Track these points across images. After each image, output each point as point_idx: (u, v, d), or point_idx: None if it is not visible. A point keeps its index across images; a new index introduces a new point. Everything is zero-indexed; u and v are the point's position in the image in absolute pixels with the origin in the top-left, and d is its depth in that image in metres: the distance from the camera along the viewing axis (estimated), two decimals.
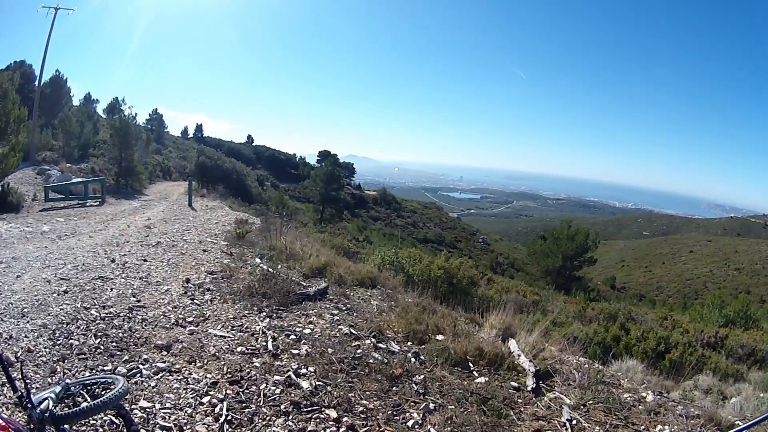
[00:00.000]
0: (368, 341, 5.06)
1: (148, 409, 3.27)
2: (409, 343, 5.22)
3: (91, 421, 3.01)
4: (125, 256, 7.84)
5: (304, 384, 3.88)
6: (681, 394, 5.27)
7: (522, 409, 4.00)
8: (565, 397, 4.31)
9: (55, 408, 2.61)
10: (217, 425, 3.21)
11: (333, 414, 3.51)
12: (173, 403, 3.41)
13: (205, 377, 3.83)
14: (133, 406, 3.27)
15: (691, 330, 10.40)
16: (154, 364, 3.94)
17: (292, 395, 3.70)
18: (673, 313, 15.55)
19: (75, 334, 4.35)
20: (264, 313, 5.54)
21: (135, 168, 22.28)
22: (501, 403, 4.01)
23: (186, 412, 3.32)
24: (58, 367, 3.71)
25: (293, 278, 7.12)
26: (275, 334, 4.92)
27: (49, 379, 3.51)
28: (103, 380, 3.30)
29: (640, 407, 4.25)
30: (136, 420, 3.10)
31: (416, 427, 3.54)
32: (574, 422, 3.81)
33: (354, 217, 57.81)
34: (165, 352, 4.23)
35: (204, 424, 3.22)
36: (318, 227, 26.67)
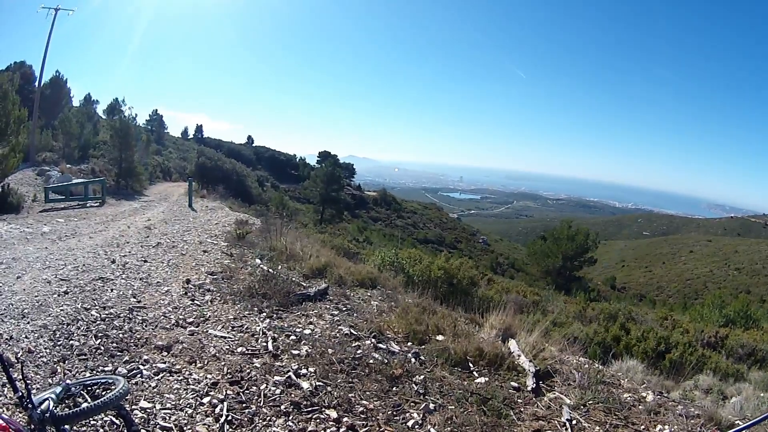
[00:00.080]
0: (368, 342, 5.06)
1: (148, 410, 3.27)
2: (409, 344, 5.22)
3: (92, 422, 3.01)
4: (125, 257, 7.85)
5: (305, 384, 3.89)
6: (681, 394, 5.27)
7: (522, 409, 4.01)
8: (565, 397, 4.31)
9: (55, 408, 2.61)
10: (218, 425, 3.21)
11: (333, 414, 3.51)
12: (174, 403, 3.41)
13: (206, 378, 3.83)
14: (133, 407, 3.27)
15: (692, 330, 10.40)
16: (154, 365, 3.94)
17: (293, 395, 3.71)
18: (673, 313, 15.55)
19: (75, 334, 4.35)
20: (264, 314, 5.54)
21: (135, 169, 22.28)
22: (501, 403, 4.01)
23: (186, 412, 3.32)
24: (58, 367, 3.71)
25: (293, 279, 7.12)
26: (275, 335, 4.92)
27: (49, 380, 3.51)
28: (103, 381, 3.30)
29: (640, 407, 4.26)
30: (136, 420, 3.10)
31: (416, 427, 3.54)
32: (574, 422, 3.81)
33: (354, 217, 57.80)
34: (165, 353, 4.23)
35: (204, 424, 3.22)
36: (318, 228, 26.67)
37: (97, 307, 5.14)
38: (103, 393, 3.12)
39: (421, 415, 3.68)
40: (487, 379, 4.53)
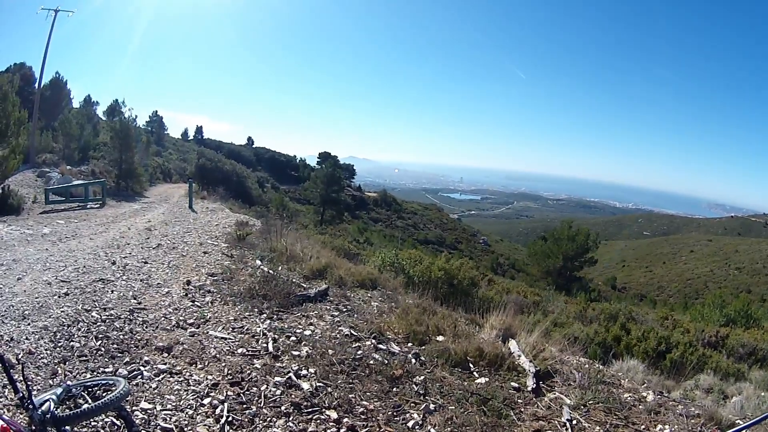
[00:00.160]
0: (369, 342, 5.07)
1: (149, 411, 3.28)
2: (409, 344, 5.23)
3: (93, 423, 3.01)
4: (126, 258, 7.85)
5: (305, 385, 3.89)
6: (682, 394, 5.28)
7: (522, 410, 4.01)
8: (566, 397, 4.32)
9: (56, 409, 2.61)
10: (218, 426, 3.21)
11: (333, 415, 3.52)
12: (174, 404, 3.42)
13: (206, 379, 3.83)
14: (134, 408, 3.28)
15: (692, 330, 10.40)
16: (155, 366, 3.95)
17: (293, 396, 3.71)
18: (673, 312, 15.55)
19: (76, 336, 4.36)
20: (264, 315, 5.55)
21: (135, 170, 22.28)
22: (501, 403, 4.02)
23: (187, 413, 3.33)
24: (59, 369, 3.72)
25: (294, 280, 7.12)
26: (276, 336, 4.93)
27: (50, 381, 3.52)
28: (104, 382, 3.31)
29: (640, 407, 4.26)
30: (137, 421, 3.11)
31: (416, 427, 3.55)
32: (574, 422, 3.82)
33: (354, 218, 57.81)
34: (166, 354, 4.24)
35: (205, 425, 3.22)
36: (318, 229, 26.67)
37: (97, 309, 5.14)
38: (104, 394, 3.13)
39: (422, 416, 3.68)
40: (487, 379, 4.53)
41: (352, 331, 5.34)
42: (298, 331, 5.17)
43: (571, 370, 4.92)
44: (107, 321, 4.83)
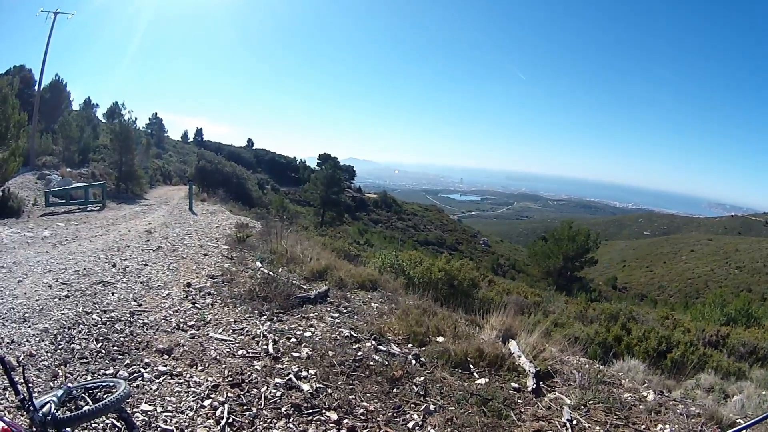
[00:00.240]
0: (369, 344, 5.07)
1: (149, 412, 3.28)
2: (409, 345, 5.23)
3: (93, 424, 3.02)
4: (126, 260, 7.86)
5: (305, 386, 3.90)
6: (682, 393, 5.27)
7: (522, 410, 4.01)
8: (566, 397, 4.32)
9: (57, 411, 2.62)
10: (219, 428, 3.22)
11: (334, 416, 3.52)
12: (175, 406, 3.42)
13: (207, 380, 3.84)
14: (134, 410, 3.28)
15: (693, 329, 10.40)
16: (155, 368, 3.95)
17: (293, 398, 3.71)
18: (674, 312, 15.53)
19: (76, 338, 4.37)
20: (265, 317, 5.55)
21: (135, 172, 22.30)
22: (501, 403, 4.02)
23: (187, 415, 3.33)
24: (60, 370, 3.73)
25: (294, 282, 7.13)
26: (276, 338, 4.93)
27: (51, 383, 3.53)
28: (104, 384, 3.31)
29: (640, 407, 4.26)
30: (137, 423, 3.11)
31: (416, 428, 3.55)
32: (574, 422, 3.82)
33: (354, 220, 57.82)
34: (166, 356, 4.24)
35: (205, 426, 3.23)
36: (319, 230, 26.69)
37: (98, 311, 5.15)
38: (105, 396, 3.13)
39: (422, 417, 3.69)
40: (487, 380, 4.54)
41: (353, 333, 5.34)
42: (298, 332, 5.18)
43: (572, 371, 4.92)
44: (108, 323, 4.84)
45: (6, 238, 9.01)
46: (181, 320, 5.19)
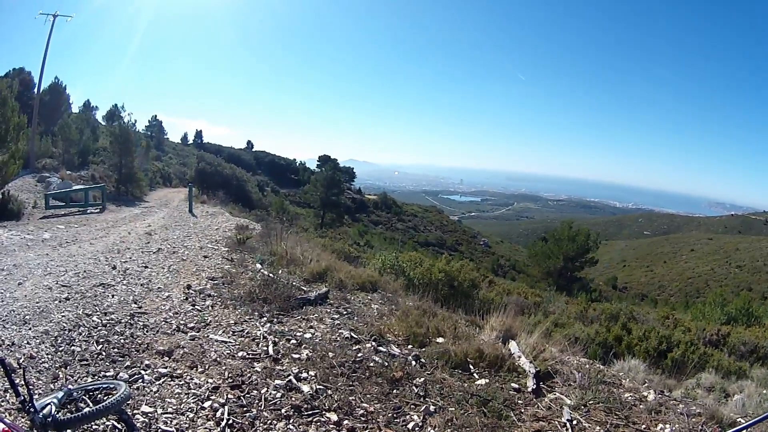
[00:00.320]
0: (369, 345, 5.07)
1: (150, 414, 3.29)
2: (409, 346, 5.23)
3: (94, 426, 3.02)
4: (126, 262, 7.86)
5: (305, 388, 3.90)
6: (683, 393, 5.27)
7: (522, 410, 4.01)
8: (566, 397, 4.32)
9: (57, 413, 2.63)
10: (219, 429, 3.22)
11: (334, 417, 3.52)
12: (175, 407, 3.42)
13: (207, 382, 3.84)
14: (135, 411, 3.28)
15: (693, 328, 10.40)
16: (155, 370, 3.96)
17: (293, 399, 3.71)
18: (675, 311, 15.54)
19: (77, 340, 4.37)
20: (265, 318, 5.55)
21: (135, 175, 22.30)
22: (501, 404, 4.02)
23: (188, 416, 3.33)
24: (60, 373, 3.73)
25: (294, 283, 7.13)
26: (276, 339, 4.93)
27: (51, 385, 3.53)
28: (105, 386, 3.32)
29: (641, 406, 4.26)
30: (138, 425, 3.12)
31: (416, 429, 3.55)
32: (574, 422, 3.82)
33: (354, 221, 57.83)
34: (166, 358, 4.24)
35: (206, 428, 3.23)
36: (319, 232, 26.70)
37: (98, 313, 5.15)
38: (105, 398, 3.14)
39: (422, 417, 3.69)
40: (487, 380, 4.54)
41: (353, 334, 5.34)
42: (298, 334, 5.18)
43: (572, 371, 4.92)
44: (108, 325, 4.84)
45: (6, 241, 9.02)
46: (182, 322, 5.19)
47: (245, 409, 3.52)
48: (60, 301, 5.39)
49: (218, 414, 3.39)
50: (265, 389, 3.82)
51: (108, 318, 5.04)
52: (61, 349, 4.14)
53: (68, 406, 3.07)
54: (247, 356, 4.45)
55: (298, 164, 77.86)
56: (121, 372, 3.86)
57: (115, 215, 15.45)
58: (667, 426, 3.87)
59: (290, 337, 5.02)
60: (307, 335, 5.16)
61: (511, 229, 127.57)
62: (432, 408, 3.83)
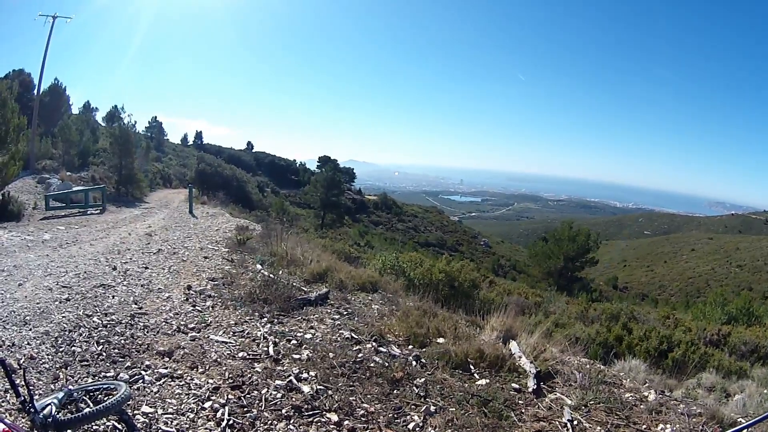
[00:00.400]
0: (369, 345, 5.07)
1: (150, 415, 3.28)
2: (410, 347, 5.23)
3: (94, 426, 3.02)
4: (126, 263, 7.86)
5: (305, 388, 3.89)
6: (684, 393, 5.27)
7: (523, 411, 4.01)
8: (566, 397, 4.32)
9: (58, 413, 2.63)
10: (219, 430, 3.22)
11: (334, 417, 3.52)
12: (175, 408, 3.42)
13: (207, 383, 3.84)
14: (135, 412, 3.28)
15: (694, 328, 10.40)
16: (156, 370, 3.95)
17: (294, 399, 3.71)
18: (675, 311, 15.53)
19: (77, 341, 4.37)
20: (265, 319, 5.55)
21: (135, 176, 22.31)
22: (502, 404, 4.01)
23: (188, 417, 3.33)
24: (60, 373, 3.73)
25: (294, 284, 7.13)
26: (276, 339, 4.93)
27: (51, 386, 3.53)
28: (105, 386, 3.32)
29: (641, 406, 4.25)
30: (138, 425, 3.12)
31: (417, 429, 3.55)
32: (575, 422, 3.81)
33: (355, 222, 57.83)
34: (167, 358, 4.24)
35: (206, 428, 3.23)
36: (319, 233, 26.70)
37: (98, 314, 5.15)
38: (105, 398, 3.14)
39: (422, 418, 3.68)
40: (488, 380, 4.53)
41: (353, 334, 5.34)
42: (298, 334, 5.18)
43: (572, 371, 4.92)
44: (108, 326, 4.84)
45: (6, 242, 9.02)
46: (182, 323, 5.19)
47: (246, 409, 3.52)
48: (60, 302, 5.39)
49: (219, 414, 3.39)
50: (266, 390, 3.82)
51: (108, 319, 5.04)
52: (61, 349, 4.14)
53: (69, 407, 3.07)
54: (248, 357, 4.45)
55: (298, 165, 77.86)
56: (121, 372, 3.86)
57: (115, 216, 15.45)
58: (668, 426, 3.87)
59: (291, 338, 5.01)
60: (308, 336, 5.16)
61: (512, 229, 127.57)
62: (432, 408, 3.83)
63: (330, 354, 4.65)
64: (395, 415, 3.68)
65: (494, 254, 63.28)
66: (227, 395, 3.66)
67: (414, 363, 4.73)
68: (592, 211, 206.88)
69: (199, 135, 70.97)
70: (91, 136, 27.97)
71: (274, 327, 5.32)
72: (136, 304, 5.70)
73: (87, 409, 2.88)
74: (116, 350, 4.29)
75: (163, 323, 5.13)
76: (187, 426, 3.23)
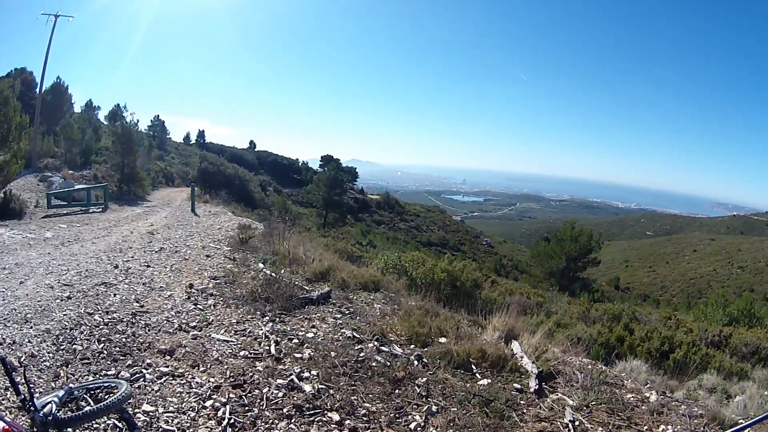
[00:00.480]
0: (371, 344, 5.06)
1: (151, 413, 3.28)
2: (411, 346, 5.22)
3: (95, 425, 3.02)
4: (128, 262, 7.87)
5: (307, 387, 3.89)
6: (685, 394, 5.25)
7: (524, 411, 4.00)
8: (568, 398, 4.30)
9: (58, 411, 2.63)
10: (220, 429, 3.21)
11: (335, 417, 3.52)
12: (176, 406, 3.42)
13: (208, 381, 3.84)
14: (136, 410, 3.28)
15: (695, 329, 10.37)
16: (157, 369, 3.95)
17: (295, 399, 3.71)
18: (677, 312, 15.50)
19: (78, 339, 4.37)
20: (267, 318, 5.55)
21: (138, 174, 22.36)
22: (503, 404, 4.00)
23: (189, 415, 3.33)
24: (61, 371, 3.73)
25: (296, 283, 7.13)
26: (278, 338, 4.92)
27: (52, 384, 3.53)
28: (106, 384, 3.32)
29: (643, 407, 4.24)
30: (139, 423, 3.11)
31: (418, 429, 3.54)
32: (576, 423, 3.80)
33: (357, 221, 57.84)
34: (168, 357, 4.24)
35: (207, 427, 3.22)
36: (321, 232, 26.71)
37: (100, 312, 5.15)
38: (106, 396, 3.14)
39: (424, 417, 3.68)
40: (489, 380, 4.52)
41: (355, 334, 5.33)
42: (300, 333, 5.17)
43: (574, 371, 4.90)
44: (110, 324, 4.84)
45: (8, 240, 9.04)
46: (183, 321, 5.19)
47: (247, 408, 3.51)
48: (62, 300, 5.39)
49: (220, 413, 3.38)
50: (267, 389, 3.82)
51: (110, 317, 5.04)
52: (62, 347, 4.14)
53: (69, 405, 3.07)
54: (249, 355, 4.44)
55: (300, 164, 77.95)
56: (122, 371, 3.85)
57: (117, 214, 15.48)
58: (669, 427, 3.86)
59: (292, 337, 5.01)
60: (310, 335, 5.15)
61: (514, 229, 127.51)
62: (434, 408, 3.82)
63: (332, 353, 4.64)
64: (397, 415, 3.68)
65: (496, 254, 63.25)
66: (228, 394, 3.66)
67: (416, 362, 4.72)
68: (594, 211, 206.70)
69: (201, 134, 71.18)
70: (93, 135, 28.03)
71: (276, 326, 5.32)
72: (137, 302, 5.70)
73: (87, 408, 2.88)
74: (117, 348, 4.29)
75: (165, 321, 5.13)
76: (188, 425, 3.22)
